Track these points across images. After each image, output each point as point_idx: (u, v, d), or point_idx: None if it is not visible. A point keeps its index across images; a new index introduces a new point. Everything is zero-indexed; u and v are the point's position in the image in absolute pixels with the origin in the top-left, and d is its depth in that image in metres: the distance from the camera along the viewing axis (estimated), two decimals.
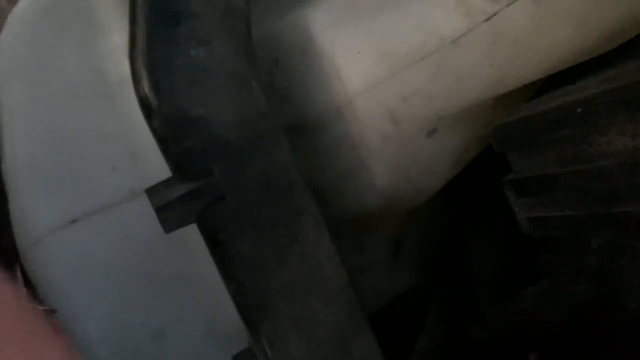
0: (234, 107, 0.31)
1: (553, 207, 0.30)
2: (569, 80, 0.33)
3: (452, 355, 0.43)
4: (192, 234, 0.33)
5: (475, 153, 0.38)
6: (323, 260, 0.33)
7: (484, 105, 0.34)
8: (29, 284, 0.37)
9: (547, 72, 0.33)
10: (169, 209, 0.30)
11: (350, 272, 0.35)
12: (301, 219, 0.33)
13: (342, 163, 0.36)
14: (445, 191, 0.40)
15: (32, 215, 0.36)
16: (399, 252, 0.45)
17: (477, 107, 0.34)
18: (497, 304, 0.41)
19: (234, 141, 0.31)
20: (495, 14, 0.31)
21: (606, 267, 0.29)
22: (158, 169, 0.33)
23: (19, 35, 0.42)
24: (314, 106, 0.36)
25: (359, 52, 0.33)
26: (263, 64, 0.37)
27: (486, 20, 0.31)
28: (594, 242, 0.28)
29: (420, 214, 0.43)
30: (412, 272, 0.46)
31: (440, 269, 0.46)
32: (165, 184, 0.31)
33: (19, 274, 0.37)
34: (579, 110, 0.27)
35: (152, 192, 0.31)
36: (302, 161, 0.36)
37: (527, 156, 0.31)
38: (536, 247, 0.33)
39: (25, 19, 0.42)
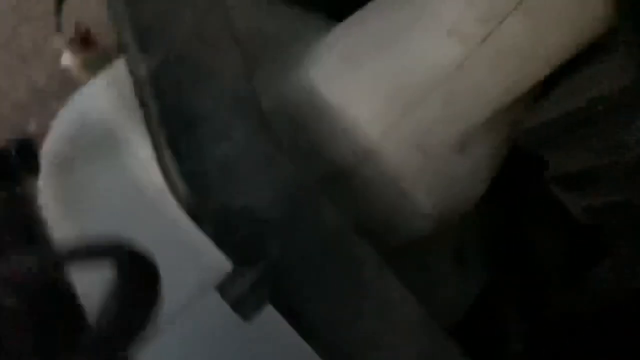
0: (270, 187, 0.33)
1: (602, 196, 0.31)
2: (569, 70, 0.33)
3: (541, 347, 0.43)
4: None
5: (506, 152, 0.39)
6: (396, 299, 0.34)
7: (504, 110, 0.35)
8: None
9: (552, 69, 0.34)
10: (243, 301, 0.32)
11: (420, 293, 0.36)
12: (364, 267, 0.34)
13: (384, 200, 0.37)
14: (491, 190, 0.40)
15: None
16: (462, 259, 0.46)
17: (498, 113, 0.35)
18: (566, 288, 0.41)
19: (280, 218, 0.33)
20: (489, 34, 0.32)
21: None
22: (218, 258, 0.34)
23: (52, 171, 0.45)
24: (340, 156, 0.37)
25: (369, 99, 0.34)
26: (282, 130, 0.38)
27: (482, 41, 0.32)
28: None
29: (474, 217, 0.43)
30: (480, 275, 0.46)
31: (505, 265, 0.46)
32: (231, 278, 0.32)
33: None
34: (600, 107, 0.28)
35: (222, 289, 0.32)
36: (345, 208, 0.38)
37: (563, 153, 0.32)
38: (595, 229, 0.33)
39: (54, 152, 0.45)
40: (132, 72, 0.35)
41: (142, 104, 0.34)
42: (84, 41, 0.69)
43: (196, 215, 0.32)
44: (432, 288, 0.43)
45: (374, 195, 0.38)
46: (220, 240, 0.32)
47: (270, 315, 0.35)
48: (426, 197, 0.36)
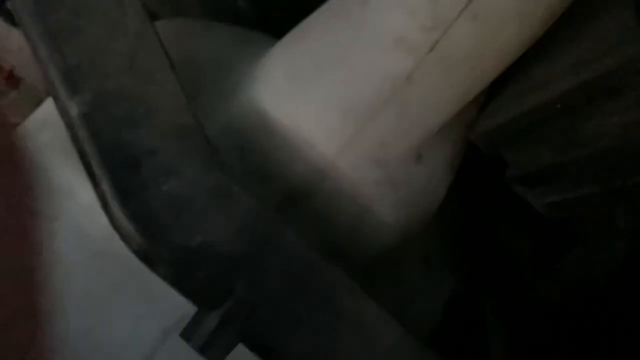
0: (227, 220, 0.31)
1: (566, 192, 0.30)
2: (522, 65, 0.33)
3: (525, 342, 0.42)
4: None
5: (463, 153, 0.38)
6: (371, 318, 0.33)
7: (458, 115, 0.34)
8: None
9: (505, 67, 0.33)
10: (210, 345, 0.29)
11: (395, 307, 0.34)
12: (334, 292, 0.32)
13: (346, 216, 0.36)
14: (452, 192, 0.39)
15: None
16: (431, 264, 0.45)
17: (452, 119, 0.34)
18: (537, 280, 0.41)
19: (241, 252, 0.31)
20: (437, 42, 0.31)
21: (637, 225, 0.29)
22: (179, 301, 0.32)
23: None
24: (296, 176, 0.35)
25: (321, 117, 0.33)
26: (230, 155, 0.37)
27: (430, 50, 0.31)
28: (618, 209, 0.28)
29: (438, 221, 0.43)
30: (449, 278, 0.45)
31: (474, 265, 0.46)
32: (195, 321, 0.30)
33: None
34: (558, 106, 0.27)
35: (187, 334, 0.30)
36: (308, 228, 0.36)
37: (522, 153, 0.31)
38: (560, 222, 0.33)
39: None
40: (62, 113, 0.32)
41: (77, 147, 0.31)
42: (9, 80, 0.65)
43: (149, 259, 0.30)
44: (406, 301, 0.42)
45: (336, 213, 0.36)
46: (180, 282, 0.30)
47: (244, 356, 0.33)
48: (387, 210, 0.35)
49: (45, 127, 0.40)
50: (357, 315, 0.32)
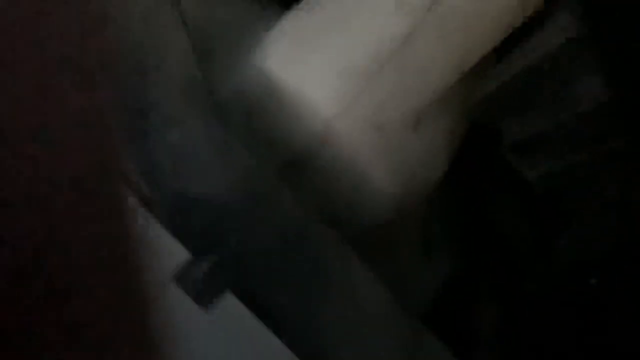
0: (224, 173, 0.32)
1: (556, 159, 0.31)
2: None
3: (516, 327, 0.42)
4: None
5: (465, 128, 0.39)
6: (360, 283, 0.33)
7: (458, 83, 0.35)
8: None
9: (501, 36, 0.34)
10: (200, 289, 0.30)
11: (389, 281, 0.35)
12: (326, 251, 0.33)
13: (344, 182, 0.36)
14: (452, 177, 0.40)
15: None
16: (430, 250, 0.45)
17: (452, 87, 0.34)
18: (534, 263, 0.41)
19: (235, 205, 0.32)
20: (435, 2, 0.31)
21: (627, 196, 0.29)
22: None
23: None
24: (298, 140, 0.36)
25: (322, 79, 0.34)
26: (238, 119, 0.38)
27: (428, 10, 0.32)
28: (607, 177, 0.29)
29: (439, 206, 0.43)
30: (447, 264, 0.46)
31: (473, 250, 0.46)
32: (187, 266, 0.31)
33: None
34: (545, 65, 0.28)
35: (178, 277, 0.31)
36: (307, 194, 0.37)
37: (516, 119, 0.32)
38: (555, 200, 0.33)
39: None
40: None
41: None
42: None
43: (148, 202, 0.31)
44: (400, 277, 0.43)
45: (335, 179, 0.37)
46: (176, 228, 0.31)
47: (237, 310, 0.34)
48: (384, 176, 0.36)
49: None
50: (347, 278, 0.33)
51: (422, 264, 0.45)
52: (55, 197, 0.15)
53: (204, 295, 0.31)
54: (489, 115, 0.34)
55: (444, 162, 0.38)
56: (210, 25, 0.39)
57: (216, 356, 0.37)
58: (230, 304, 0.33)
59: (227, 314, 0.33)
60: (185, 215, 0.31)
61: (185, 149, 0.32)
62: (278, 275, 0.32)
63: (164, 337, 0.17)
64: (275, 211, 0.33)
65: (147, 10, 0.34)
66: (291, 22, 0.37)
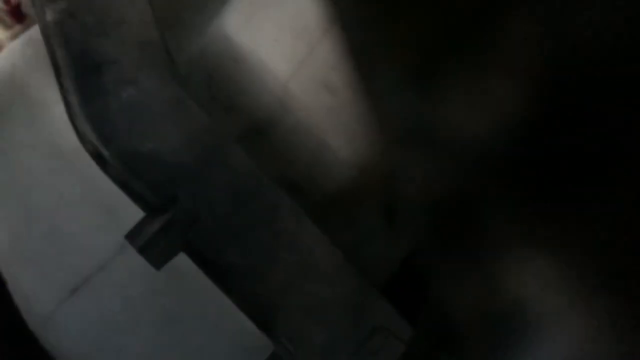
0: (178, 131, 0.32)
1: None
2: None
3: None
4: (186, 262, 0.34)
5: None
6: (312, 244, 0.34)
7: None
8: None
9: None
10: (151, 246, 0.31)
11: (346, 249, 0.35)
12: (278, 213, 0.33)
13: (304, 149, 0.37)
14: None
15: (34, 297, 0.37)
16: (392, 217, 0.46)
17: None
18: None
19: (188, 163, 0.32)
20: None
21: None
22: (137, 215, 0.34)
23: None
24: (258, 105, 0.36)
25: (276, 40, 0.34)
26: (199, 83, 0.38)
27: None
28: None
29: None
30: (411, 234, 0.46)
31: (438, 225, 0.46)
32: (140, 225, 0.32)
33: None
34: None
35: (131, 236, 0.32)
36: (270, 160, 0.37)
37: None
38: None
39: None
40: (39, 19, 0.34)
41: (50, 52, 0.33)
42: (14, 14, 0.67)
43: (103, 161, 0.31)
44: (357, 245, 0.43)
45: (295, 146, 0.37)
46: (126, 184, 0.31)
47: (188, 271, 0.35)
48: (342, 142, 0.36)
49: (29, 45, 0.42)
50: (298, 238, 0.33)
51: (383, 232, 0.45)
52: None
53: (156, 254, 0.31)
54: None
55: None
56: None
57: (167, 316, 0.37)
58: (183, 264, 0.33)
59: (178, 273, 0.34)
60: (137, 171, 0.31)
61: (140, 107, 0.32)
62: (228, 232, 0.33)
63: None
64: (227, 168, 0.33)
65: None
66: None
